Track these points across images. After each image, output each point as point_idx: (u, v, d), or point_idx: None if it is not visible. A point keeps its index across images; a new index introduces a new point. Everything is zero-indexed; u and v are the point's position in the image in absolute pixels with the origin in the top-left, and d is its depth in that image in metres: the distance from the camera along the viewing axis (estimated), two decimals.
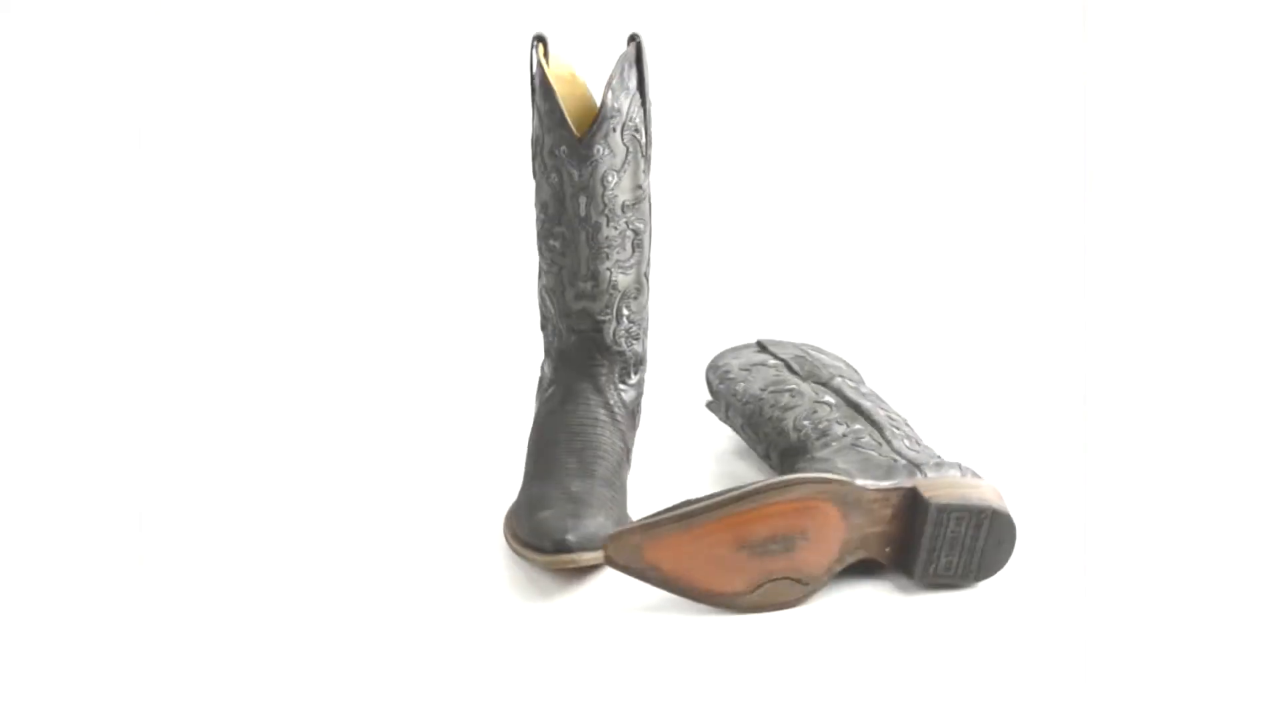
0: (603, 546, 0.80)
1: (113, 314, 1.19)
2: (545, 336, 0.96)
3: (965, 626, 0.82)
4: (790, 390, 0.94)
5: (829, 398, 0.93)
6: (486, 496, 0.93)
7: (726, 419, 0.99)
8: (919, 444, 0.89)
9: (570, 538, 0.83)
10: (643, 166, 0.91)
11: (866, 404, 0.92)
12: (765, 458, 0.95)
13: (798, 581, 0.81)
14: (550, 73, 0.89)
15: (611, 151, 0.89)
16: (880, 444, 0.88)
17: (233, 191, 1.34)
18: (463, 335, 1.20)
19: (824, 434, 0.90)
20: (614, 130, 0.88)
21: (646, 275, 0.94)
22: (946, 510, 0.82)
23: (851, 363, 1.01)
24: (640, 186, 0.91)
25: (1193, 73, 1.25)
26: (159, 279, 1.25)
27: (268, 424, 1.06)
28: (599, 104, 0.89)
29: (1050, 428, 1.05)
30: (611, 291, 0.92)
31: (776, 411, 0.94)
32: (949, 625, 0.82)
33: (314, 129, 1.36)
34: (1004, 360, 1.15)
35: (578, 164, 0.89)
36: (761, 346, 1.01)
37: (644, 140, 0.91)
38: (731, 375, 0.99)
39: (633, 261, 0.92)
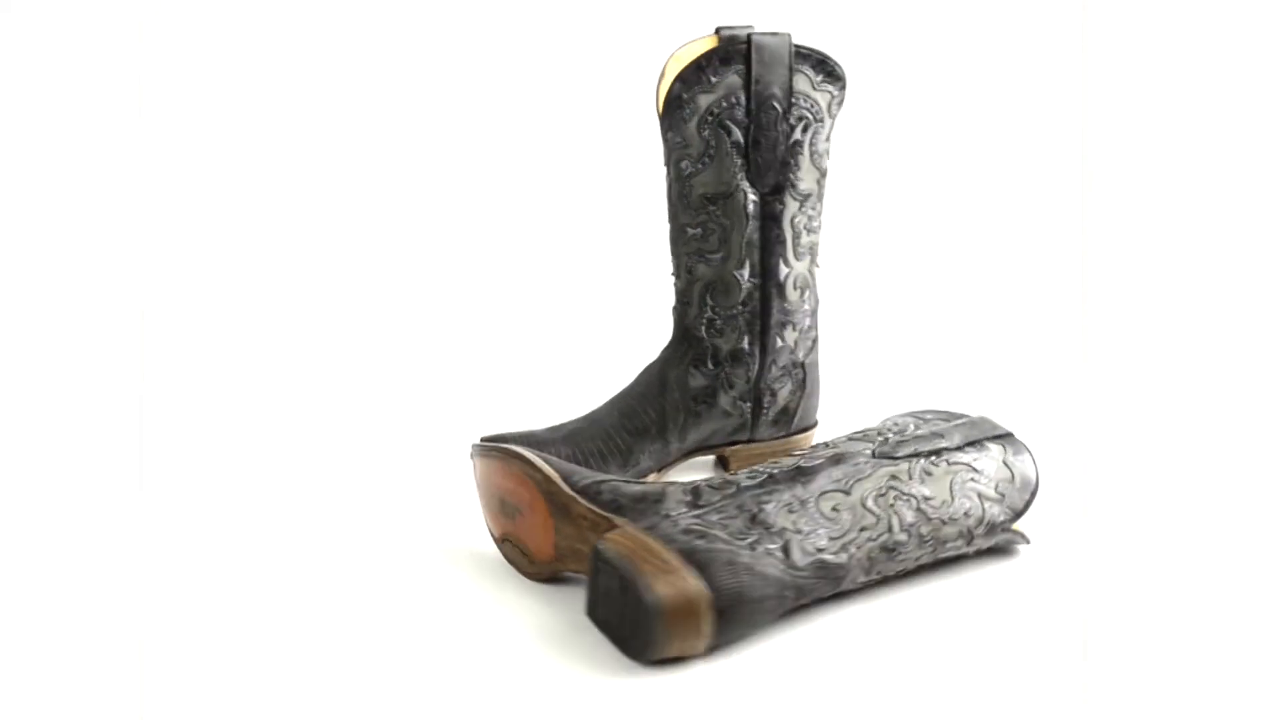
0: None
1: (113, 315, 1.21)
2: None
3: (963, 625, 0.80)
4: (827, 444, 0.87)
5: (822, 466, 0.84)
6: None
7: None
8: (751, 528, 0.78)
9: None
10: (731, 165, 0.90)
11: (819, 480, 0.82)
12: None
13: (525, 554, 0.84)
14: (677, 60, 0.92)
15: (684, 141, 0.90)
16: (718, 497, 0.80)
17: (288, 190, 1.35)
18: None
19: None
20: (685, 120, 0.90)
21: (739, 276, 0.92)
22: (600, 557, 0.76)
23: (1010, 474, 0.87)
24: (726, 184, 0.90)
25: (1192, 72, 1.22)
26: (165, 279, 1.28)
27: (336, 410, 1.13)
28: None
29: (1051, 427, 1.05)
30: (687, 277, 0.93)
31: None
32: (947, 624, 0.80)
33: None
34: (1004, 360, 1.21)
35: (663, 143, 0.92)
36: (949, 415, 0.91)
37: (742, 140, 0.89)
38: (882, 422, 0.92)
39: (719, 256, 0.92)
